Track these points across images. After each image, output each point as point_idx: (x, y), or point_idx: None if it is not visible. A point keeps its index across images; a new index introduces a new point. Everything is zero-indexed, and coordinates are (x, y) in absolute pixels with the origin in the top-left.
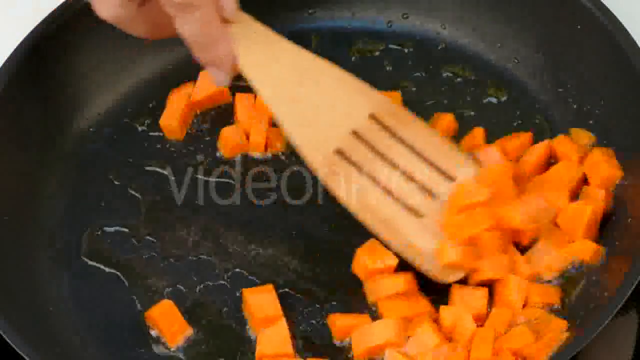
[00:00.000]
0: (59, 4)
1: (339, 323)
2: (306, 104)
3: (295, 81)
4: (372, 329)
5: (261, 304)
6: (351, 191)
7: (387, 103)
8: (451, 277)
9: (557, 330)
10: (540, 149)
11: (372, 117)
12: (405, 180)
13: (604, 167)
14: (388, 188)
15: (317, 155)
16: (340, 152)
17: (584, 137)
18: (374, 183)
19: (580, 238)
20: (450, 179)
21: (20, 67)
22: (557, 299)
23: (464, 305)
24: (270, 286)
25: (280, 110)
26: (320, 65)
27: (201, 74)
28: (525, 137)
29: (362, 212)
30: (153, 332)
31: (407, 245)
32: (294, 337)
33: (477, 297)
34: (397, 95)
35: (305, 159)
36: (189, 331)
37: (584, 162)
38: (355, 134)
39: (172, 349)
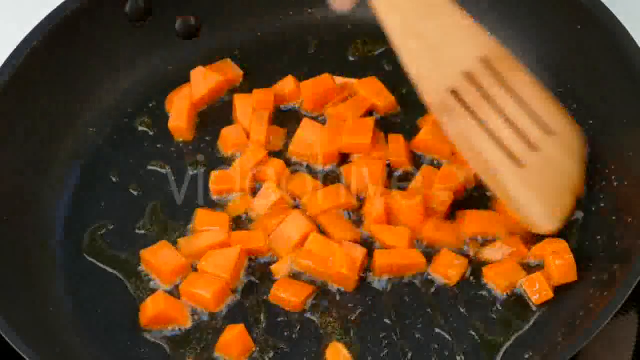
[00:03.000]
0: (59, 4)
1: None
2: (426, 39)
3: (421, 14)
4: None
5: (165, 260)
6: (459, 130)
7: (498, 47)
8: (545, 228)
9: None
10: None
11: (483, 60)
12: (509, 128)
13: None
14: (494, 134)
15: (432, 91)
16: (453, 92)
17: None
18: (481, 127)
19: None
20: (551, 132)
21: (20, 68)
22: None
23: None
24: (165, 242)
25: (402, 42)
26: (443, 1)
27: (192, 73)
28: None
29: (466, 152)
30: (143, 338)
31: (505, 193)
32: None
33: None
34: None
35: (421, 93)
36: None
37: None
38: (467, 75)
39: (169, 347)
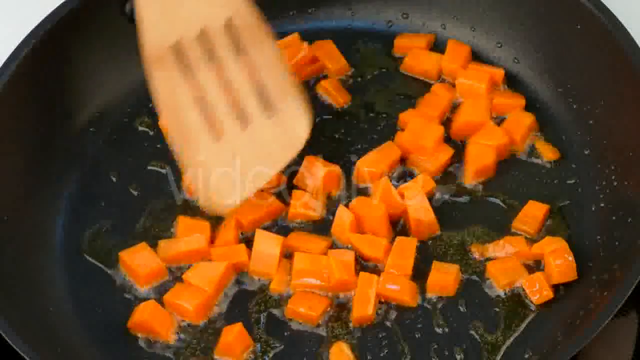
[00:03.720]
0: (58, 4)
1: None
2: None
3: None
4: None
5: (141, 262)
6: (167, 89)
7: (248, 12)
8: (219, 208)
9: None
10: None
11: (226, 22)
12: (224, 98)
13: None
14: (203, 98)
15: (154, 42)
16: (176, 48)
17: (548, 151)
18: (191, 91)
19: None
20: (270, 111)
21: (20, 67)
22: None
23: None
24: (144, 244)
25: None
26: None
27: None
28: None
29: (168, 112)
30: (143, 337)
31: (192, 161)
32: None
33: None
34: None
35: (142, 41)
36: (176, 325)
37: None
38: (200, 34)
39: (168, 347)
